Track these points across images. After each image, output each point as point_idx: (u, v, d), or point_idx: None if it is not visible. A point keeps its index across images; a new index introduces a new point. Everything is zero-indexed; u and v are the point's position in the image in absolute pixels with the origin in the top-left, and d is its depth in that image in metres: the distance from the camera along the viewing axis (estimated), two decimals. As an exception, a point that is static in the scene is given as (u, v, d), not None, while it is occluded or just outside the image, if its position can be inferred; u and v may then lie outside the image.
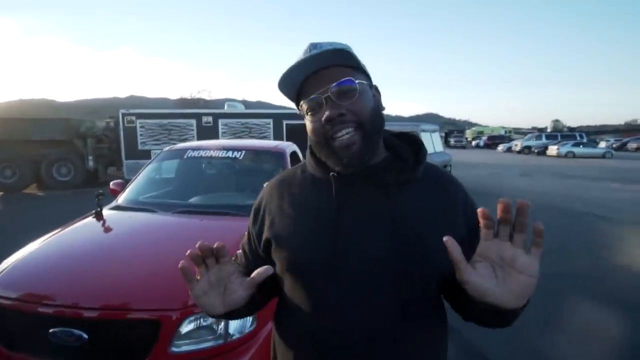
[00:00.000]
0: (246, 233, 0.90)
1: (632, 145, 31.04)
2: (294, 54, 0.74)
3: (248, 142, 3.75)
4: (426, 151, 0.78)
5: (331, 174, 0.73)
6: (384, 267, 0.68)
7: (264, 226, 0.81)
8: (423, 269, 0.69)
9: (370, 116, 0.70)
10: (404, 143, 0.81)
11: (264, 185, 0.90)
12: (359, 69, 0.72)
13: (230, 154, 3.01)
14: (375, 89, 0.77)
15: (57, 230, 2.21)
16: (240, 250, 0.92)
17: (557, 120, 35.88)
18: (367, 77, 0.75)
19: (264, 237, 0.81)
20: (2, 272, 1.78)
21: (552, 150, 23.34)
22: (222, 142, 3.58)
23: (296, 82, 0.72)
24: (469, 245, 0.69)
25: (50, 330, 1.50)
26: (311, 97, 0.70)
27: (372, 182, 0.72)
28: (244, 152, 3.03)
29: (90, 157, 10.44)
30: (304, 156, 4.09)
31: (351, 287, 0.69)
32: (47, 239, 2.09)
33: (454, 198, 0.76)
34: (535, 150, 25.31)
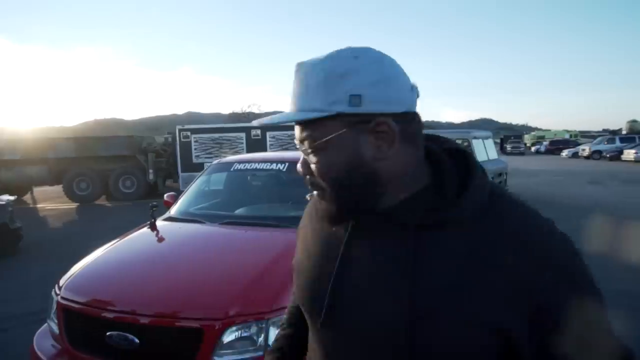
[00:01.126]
0: None
1: None
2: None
3: (291, 154, 3.82)
4: (480, 179, 0.54)
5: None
6: (382, 339, 0.52)
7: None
8: (426, 353, 0.50)
9: (334, 173, 0.53)
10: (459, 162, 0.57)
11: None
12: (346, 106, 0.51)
13: (274, 166, 3.08)
14: (385, 125, 0.51)
15: (115, 240, 2.40)
16: None
17: (634, 121, 32.18)
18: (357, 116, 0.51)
19: None
20: (70, 277, 1.96)
21: (629, 154, 20.83)
22: (266, 154, 3.68)
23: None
24: (529, 339, 0.47)
25: (108, 333, 1.62)
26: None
27: (392, 223, 0.54)
28: (287, 164, 3.08)
29: (150, 171, 11.32)
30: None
31: (345, 348, 0.57)
32: (107, 248, 2.28)
33: (506, 262, 0.48)
34: (607, 155, 22.83)
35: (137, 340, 1.58)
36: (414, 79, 0.55)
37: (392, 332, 0.50)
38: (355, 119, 0.51)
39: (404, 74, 0.54)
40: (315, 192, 0.58)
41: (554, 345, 0.46)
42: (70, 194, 11.18)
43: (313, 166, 0.55)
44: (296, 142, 0.57)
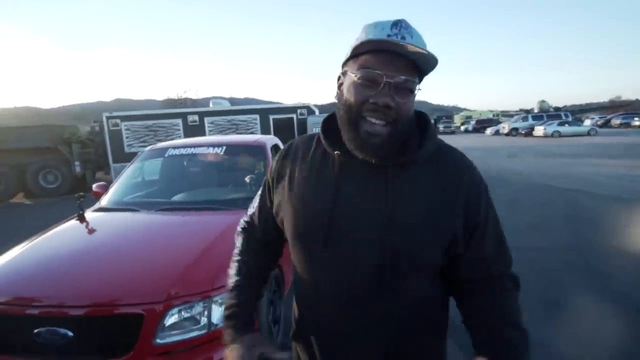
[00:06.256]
0: (264, 183, 0.92)
1: (616, 121, 31.61)
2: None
3: (228, 138, 3.77)
4: (434, 132, 0.77)
5: (335, 152, 0.75)
6: (370, 254, 0.70)
7: (279, 187, 0.83)
8: (408, 259, 0.70)
9: (406, 118, 0.71)
10: (417, 121, 0.78)
11: (294, 139, 0.90)
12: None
13: (210, 150, 3.03)
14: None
15: (39, 234, 2.23)
16: (254, 210, 0.93)
17: (543, 101, 36.11)
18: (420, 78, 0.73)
19: (275, 201, 0.84)
20: (-16, 277, 1.80)
21: (539, 130, 23.59)
22: (202, 139, 3.59)
23: (376, 39, 0.67)
24: (464, 240, 0.72)
25: (35, 331, 1.54)
26: (376, 71, 0.67)
27: (373, 163, 0.72)
28: (224, 147, 3.05)
29: (76, 163, 10.32)
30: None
31: (343, 264, 0.72)
32: (28, 243, 2.11)
33: (457, 185, 0.72)
34: (523, 132, 25.53)
35: (70, 334, 1.53)
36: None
37: (377, 244, 0.69)
38: (423, 76, 0.73)
39: None
40: (373, 129, 0.69)
41: (480, 246, 0.74)
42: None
43: (402, 103, 0.69)
44: (391, 79, 0.67)
